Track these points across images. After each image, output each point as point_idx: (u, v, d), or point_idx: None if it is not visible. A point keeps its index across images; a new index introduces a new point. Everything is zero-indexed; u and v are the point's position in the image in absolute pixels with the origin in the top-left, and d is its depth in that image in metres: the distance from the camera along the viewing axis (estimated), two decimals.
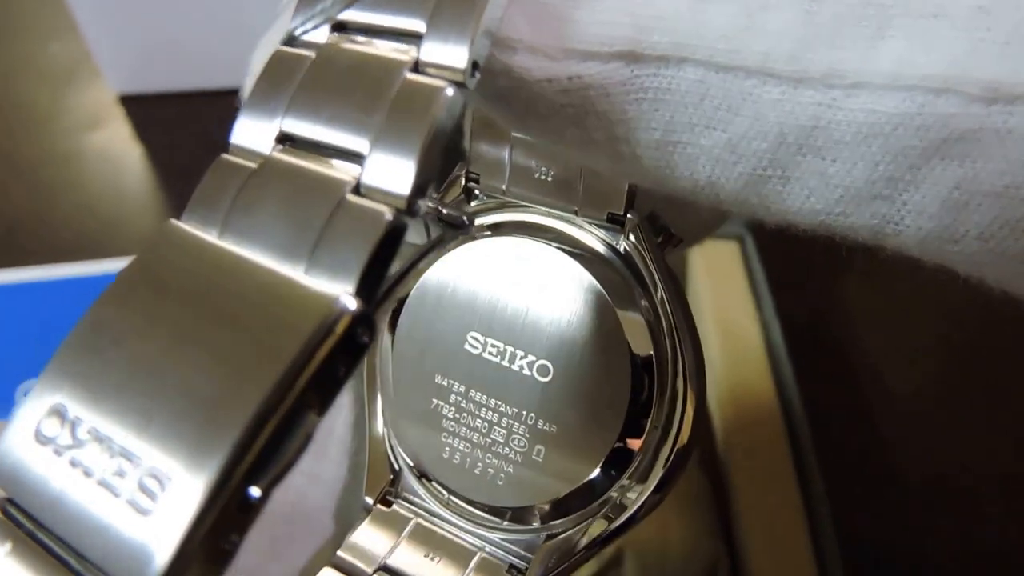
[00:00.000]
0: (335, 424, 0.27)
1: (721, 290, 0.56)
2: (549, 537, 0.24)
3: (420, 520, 0.25)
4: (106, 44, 0.51)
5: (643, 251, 0.24)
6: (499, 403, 0.24)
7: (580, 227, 0.25)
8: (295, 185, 0.16)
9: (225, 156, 0.17)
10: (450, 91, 0.16)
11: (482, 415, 0.24)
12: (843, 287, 0.61)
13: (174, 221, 0.16)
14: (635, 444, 0.23)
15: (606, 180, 0.23)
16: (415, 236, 0.17)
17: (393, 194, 0.15)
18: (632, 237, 0.24)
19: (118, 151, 0.52)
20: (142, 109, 0.54)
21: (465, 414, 0.24)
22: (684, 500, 0.46)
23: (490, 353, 0.24)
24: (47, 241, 0.49)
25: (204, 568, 0.13)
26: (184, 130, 0.56)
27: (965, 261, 0.16)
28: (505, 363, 0.24)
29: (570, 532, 0.24)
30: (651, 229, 0.24)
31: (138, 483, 0.13)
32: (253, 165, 0.16)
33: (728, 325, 0.54)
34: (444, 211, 0.18)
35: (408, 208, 0.15)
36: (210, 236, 0.16)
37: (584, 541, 0.23)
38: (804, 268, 0.60)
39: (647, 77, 0.17)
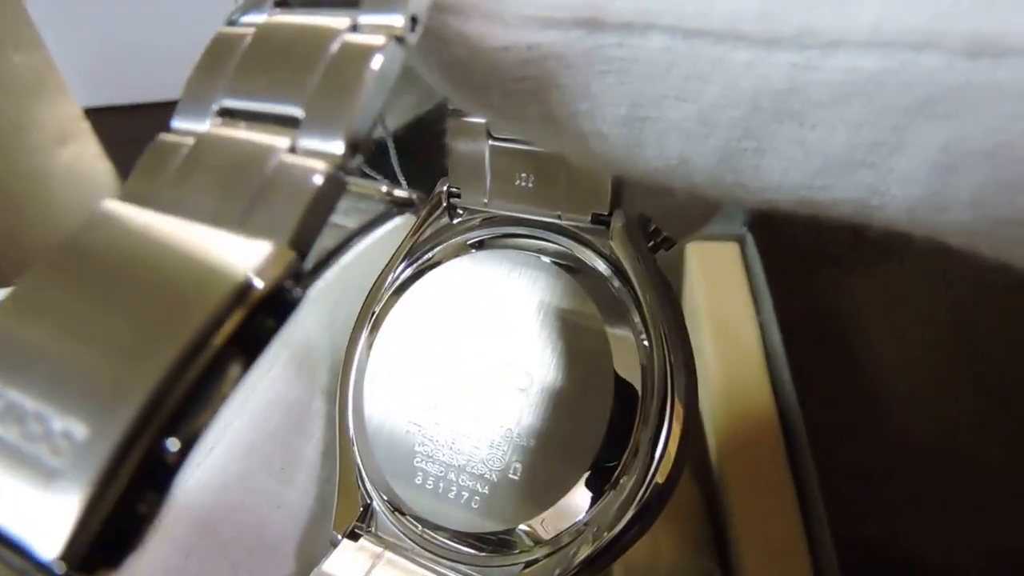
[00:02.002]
0: (305, 449, 0.26)
1: (719, 292, 0.54)
2: (528, 565, 0.23)
3: (389, 553, 0.24)
4: (72, 58, 0.50)
5: (632, 254, 0.23)
6: (475, 418, 0.23)
7: (565, 235, 0.24)
8: (230, 153, 0.16)
9: (162, 136, 0.17)
10: (388, 46, 0.16)
11: (457, 432, 0.23)
12: (844, 290, 0.60)
13: (108, 200, 0.16)
14: (615, 464, 0.22)
15: (589, 180, 0.23)
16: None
17: (327, 152, 0.15)
18: (619, 239, 0.23)
19: (86, 166, 0.51)
20: (110, 121, 0.53)
21: (440, 433, 0.24)
22: (675, 513, 0.44)
23: (469, 369, 0.23)
24: (14, 258, 0.48)
25: (120, 528, 0.13)
26: None
27: (958, 231, 0.15)
28: (485, 378, 0.23)
29: (548, 560, 0.22)
30: (641, 232, 0.23)
31: (49, 445, 0.13)
32: (191, 141, 0.17)
33: (725, 328, 0.52)
34: (395, 192, 0.18)
35: (343, 165, 0.15)
36: (145, 212, 0.16)
37: (560, 570, 0.22)
38: (805, 270, 0.60)
39: (611, 47, 0.16)
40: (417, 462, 0.24)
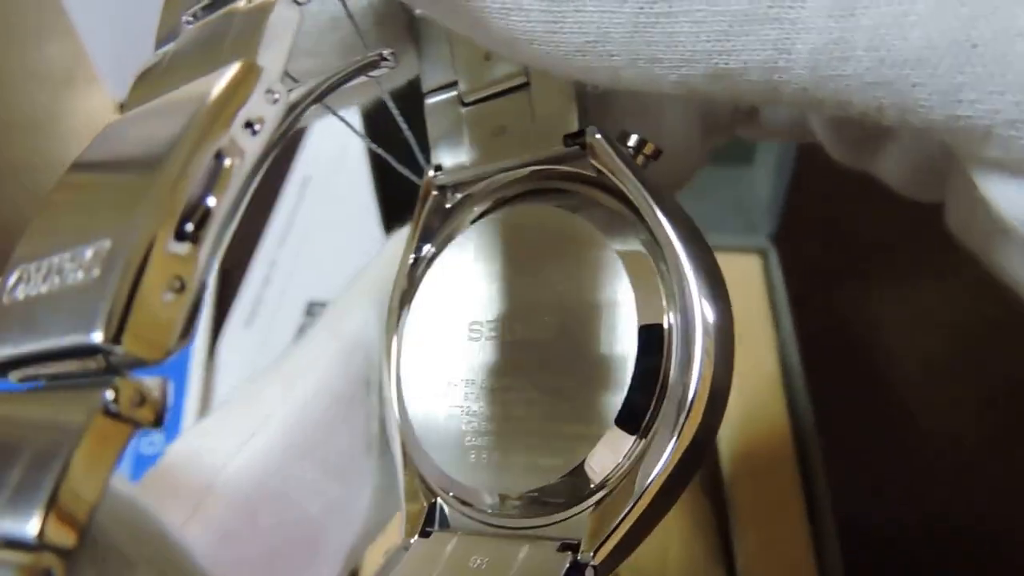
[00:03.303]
0: (350, 441, 0.27)
1: (739, 305, 0.54)
2: (597, 505, 0.22)
3: (463, 535, 0.24)
4: (104, 48, 0.51)
5: (615, 164, 0.22)
6: (510, 381, 0.23)
7: (551, 177, 0.24)
8: (202, 28, 0.19)
9: (142, 66, 0.20)
10: None
11: (498, 398, 0.23)
12: (866, 306, 0.59)
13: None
14: (651, 392, 0.21)
15: (554, 105, 0.23)
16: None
17: None
18: (598, 153, 0.22)
19: None
20: None
21: (482, 406, 0.23)
22: (685, 524, 0.44)
23: (490, 336, 0.23)
24: None
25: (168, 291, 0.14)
26: None
27: (860, 87, 0.16)
28: (507, 338, 0.23)
29: (611, 499, 0.22)
30: (622, 143, 0.22)
31: (84, 270, 0.14)
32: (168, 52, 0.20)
33: (744, 342, 0.52)
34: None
35: None
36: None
37: (628, 505, 0.21)
38: (827, 285, 0.59)
39: None
40: (468, 441, 0.24)
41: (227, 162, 0.15)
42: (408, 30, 0.24)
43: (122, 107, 0.20)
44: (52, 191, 0.17)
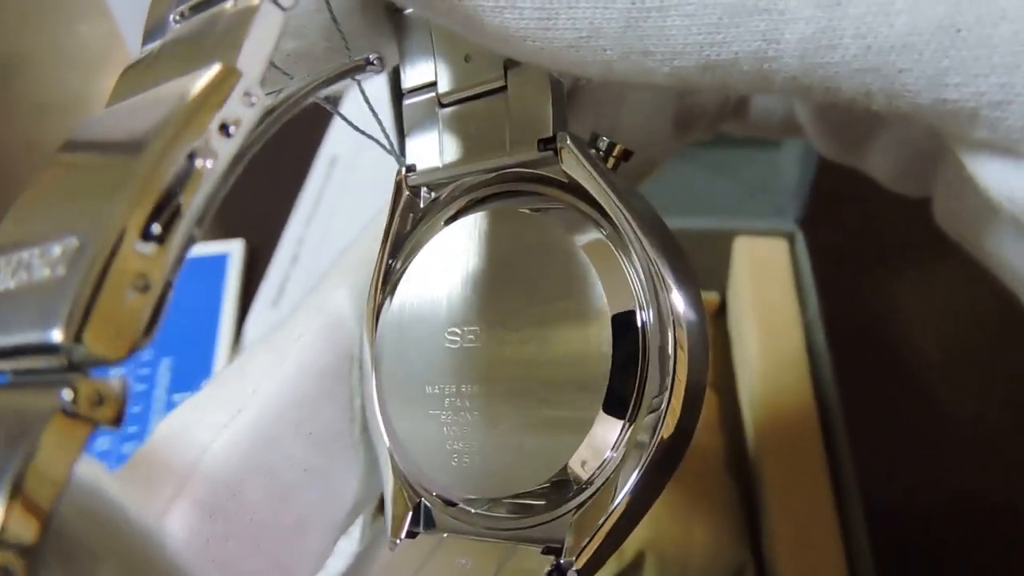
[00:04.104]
0: (335, 415, 0.27)
1: (765, 288, 0.54)
2: (578, 508, 0.23)
3: (449, 536, 0.24)
4: (138, 30, 0.50)
5: (586, 170, 0.22)
6: (492, 386, 0.23)
7: (522, 180, 0.24)
8: (185, 28, 0.19)
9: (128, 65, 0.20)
10: None
11: (478, 405, 0.23)
12: (892, 291, 0.59)
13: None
14: (630, 389, 0.22)
15: (529, 109, 0.23)
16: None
17: None
18: (569, 158, 0.23)
19: None
20: None
21: (462, 412, 0.24)
22: (710, 504, 0.44)
23: (469, 341, 0.24)
24: None
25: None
26: None
27: (848, 74, 0.16)
28: (484, 344, 0.23)
29: (596, 496, 0.22)
30: (592, 147, 0.23)
31: (50, 266, 0.15)
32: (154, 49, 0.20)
33: (770, 324, 0.52)
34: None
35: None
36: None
37: (608, 501, 0.22)
38: (854, 269, 0.59)
39: None
40: (450, 446, 0.24)
41: (199, 163, 0.15)
42: (391, 24, 0.24)
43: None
44: (27, 186, 0.17)
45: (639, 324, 0.22)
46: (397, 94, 0.26)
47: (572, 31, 0.18)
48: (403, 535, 0.25)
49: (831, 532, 0.41)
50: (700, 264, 0.59)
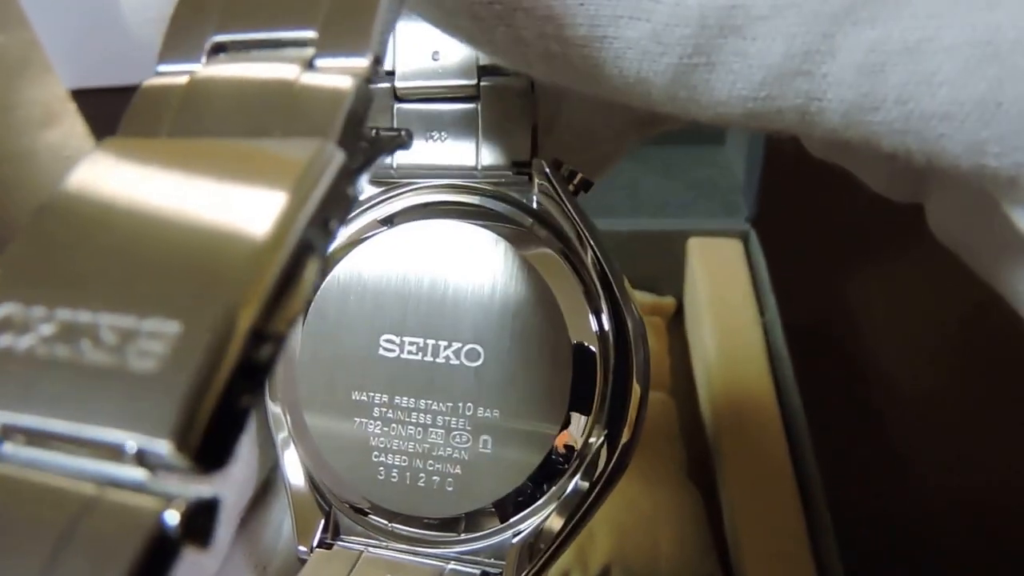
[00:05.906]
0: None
1: (722, 290, 0.53)
2: (516, 534, 0.22)
3: (369, 551, 0.23)
4: (58, 36, 0.49)
5: (558, 201, 0.22)
6: (430, 402, 0.22)
7: (484, 194, 0.23)
8: (242, 80, 0.15)
9: (148, 81, 0.16)
10: None
11: (414, 420, 0.22)
12: (848, 287, 0.59)
13: (110, 138, 0.15)
14: (586, 416, 0.22)
15: (509, 127, 0.23)
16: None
17: (351, 67, 0.15)
18: (542, 187, 0.22)
19: (73, 148, 0.50)
20: (97, 103, 0.52)
21: (395, 425, 0.23)
22: (674, 514, 0.43)
23: (409, 352, 0.22)
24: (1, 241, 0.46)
25: (225, 423, 0.12)
26: None
27: (888, 132, 0.16)
28: (428, 358, 0.22)
29: (539, 525, 0.22)
30: (558, 175, 0.22)
31: (136, 350, 0.12)
32: (183, 80, 0.16)
33: (728, 327, 0.51)
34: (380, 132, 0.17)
35: (369, 77, 0.15)
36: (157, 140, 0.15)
37: (552, 532, 0.22)
38: (809, 267, 0.58)
39: None
40: (376, 457, 0.23)
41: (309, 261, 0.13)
42: None
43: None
44: (45, 214, 0.14)
45: (594, 346, 0.21)
46: None
47: (619, 79, 0.18)
48: (315, 543, 0.24)
49: (798, 536, 0.40)
50: (655, 267, 0.58)
